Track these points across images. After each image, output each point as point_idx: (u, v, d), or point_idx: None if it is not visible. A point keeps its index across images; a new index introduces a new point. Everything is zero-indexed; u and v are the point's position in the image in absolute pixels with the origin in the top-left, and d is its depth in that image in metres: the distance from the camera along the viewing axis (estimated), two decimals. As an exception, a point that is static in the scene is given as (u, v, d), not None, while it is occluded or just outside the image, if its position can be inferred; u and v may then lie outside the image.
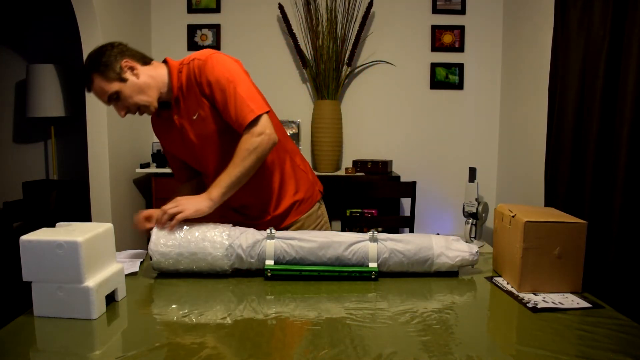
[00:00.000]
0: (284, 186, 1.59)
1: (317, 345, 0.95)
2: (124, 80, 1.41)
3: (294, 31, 3.30)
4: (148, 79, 1.44)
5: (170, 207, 1.33)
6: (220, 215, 1.67)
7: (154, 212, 1.40)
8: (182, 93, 1.46)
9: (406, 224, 2.62)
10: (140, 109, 1.45)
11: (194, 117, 1.46)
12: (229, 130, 1.44)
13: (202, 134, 1.48)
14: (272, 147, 1.41)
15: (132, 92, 1.42)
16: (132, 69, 1.43)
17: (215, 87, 1.40)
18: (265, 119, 1.39)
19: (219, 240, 1.32)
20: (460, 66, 3.45)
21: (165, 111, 1.51)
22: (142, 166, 3.15)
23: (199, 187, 1.60)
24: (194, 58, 1.45)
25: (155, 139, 3.44)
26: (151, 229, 1.35)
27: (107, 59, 1.40)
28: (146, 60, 1.47)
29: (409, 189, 2.60)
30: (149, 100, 1.45)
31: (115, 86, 1.40)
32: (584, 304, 1.18)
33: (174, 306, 1.17)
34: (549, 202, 2.29)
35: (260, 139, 1.37)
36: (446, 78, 3.47)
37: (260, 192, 1.56)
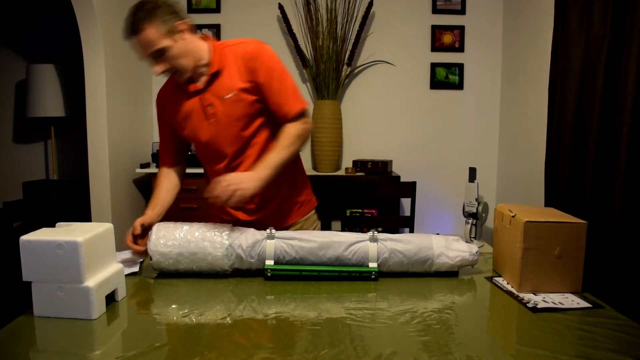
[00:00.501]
0: (294, 186, 1.63)
1: (317, 345, 0.95)
2: (174, 40, 1.41)
3: (294, 31, 3.30)
4: (193, 47, 1.46)
5: (228, 184, 1.33)
6: (212, 215, 1.67)
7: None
8: (221, 71, 1.48)
9: (406, 224, 2.62)
10: (177, 72, 1.44)
11: (227, 96, 1.47)
12: (256, 118, 1.50)
13: (232, 114, 1.49)
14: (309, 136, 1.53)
15: (179, 53, 1.42)
16: (184, 32, 1.44)
17: (271, 74, 1.46)
18: (309, 111, 1.52)
19: (219, 240, 1.32)
20: (460, 66, 3.45)
21: (187, 85, 1.51)
22: (142, 166, 3.15)
23: (179, 176, 1.63)
24: (242, 42, 1.50)
25: (156, 139, 3.44)
26: (141, 252, 1.41)
27: (164, 14, 1.39)
28: (192, 29, 1.49)
29: (409, 189, 2.60)
30: (190, 66, 1.46)
31: (165, 42, 1.38)
32: (584, 304, 1.18)
33: (174, 306, 1.17)
34: (549, 202, 2.29)
35: (306, 127, 1.49)
36: (446, 78, 3.47)
37: (274, 185, 1.54)
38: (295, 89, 1.50)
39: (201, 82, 1.49)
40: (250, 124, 1.50)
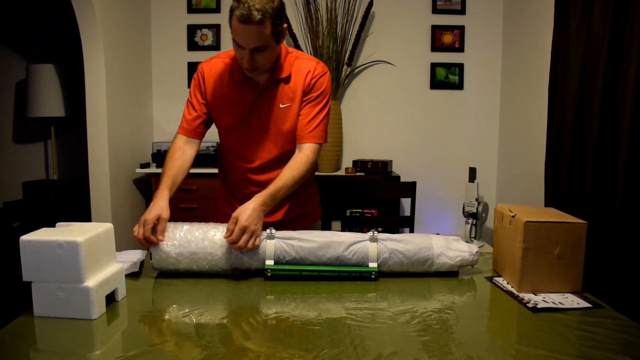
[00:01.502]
0: (305, 196, 1.66)
1: (317, 345, 0.95)
2: (278, 41, 1.42)
3: (294, 31, 3.30)
4: (280, 49, 1.49)
5: (244, 227, 1.29)
6: (220, 212, 1.68)
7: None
8: (286, 79, 1.50)
9: (406, 224, 2.62)
10: (257, 69, 1.44)
11: (282, 106, 1.50)
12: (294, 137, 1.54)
13: (279, 123, 1.51)
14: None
15: (274, 54, 1.44)
16: (284, 36, 1.45)
17: (316, 98, 1.51)
18: (320, 149, 1.54)
19: (219, 240, 1.32)
20: (460, 66, 3.45)
21: (249, 81, 1.50)
22: (142, 166, 3.15)
23: (192, 156, 1.56)
24: (311, 59, 1.54)
25: (156, 139, 3.45)
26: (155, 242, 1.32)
27: (284, 17, 1.41)
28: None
29: (409, 189, 2.59)
30: (270, 67, 1.47)
31: (270, 41, 1.38)
32: (584, 304, 1.18)
33: (174, 306, 1.17)
34: (549, 202, 2.29)
35: (314, 167, 1.53)
36: (446, 78, 3.47)
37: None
38: (325, 124, 1.54)
39: (261, 80, 1.50)
40: (288, 140, 1.53)
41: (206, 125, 1.60)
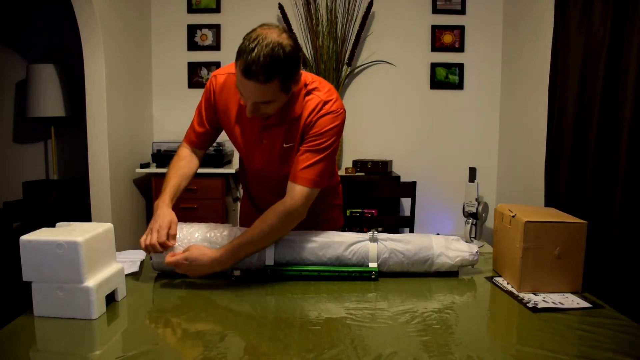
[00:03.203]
0: (329, 204, 1.63)
1: (317, 345, 0.95)
2: (288, 92, 1.27)
3: (294, 31, 3.30)
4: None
5: (186, 258, 1.26)
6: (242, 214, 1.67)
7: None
8: (294, 120, 1.35)
9: (406, 224, 2.62)
10: (262, 115, 1.31)
11: (285, 145, 1.38)
12: None
13: (282, 163, 1.41)
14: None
15: (283, 104, 1.30)
16: (297, 83, 1.29)
17: (317, 136, 1.34)
18: (315, 194, 1.35)
19: (219, 241, 1.32)
20: (460, 66, 3.45)
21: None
22: (142, 166, 3.15)
23: (196, 167, 1.53)
24: (322, 101, 1.34)
25: (156, 139, 3.44)
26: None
27: (298, 71, 1.25)
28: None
29: (409, 189, 2.59)
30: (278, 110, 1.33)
31: (278, 96, 1.24)
32: (584, 304, 1.18)
33: (174, 306, 1.17)
34: (549, 202, 2.29)
35: (296, 215, 1.33)
36: (446, 78, 3.47)
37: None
38: (320, 169, 1.34)
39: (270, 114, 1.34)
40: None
41: (213, 137, 1.54)
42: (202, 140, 1.53)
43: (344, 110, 1.39)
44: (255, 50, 1.15)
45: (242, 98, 1.26)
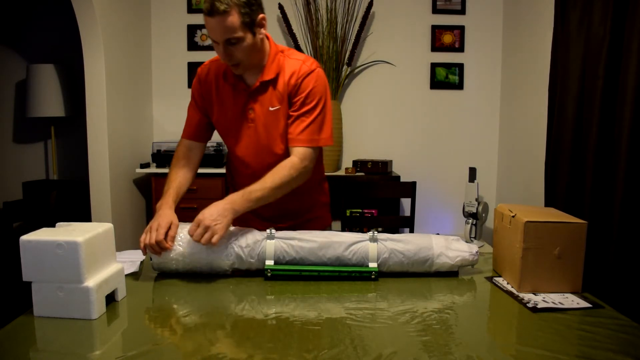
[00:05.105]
0: (316, 202, 1.66)
1: (317, 345, 0.95)
2: (253, 33, 1.35)
3: (294, 31, 3.30)
4: (263, 45, 1.42)
5: (200, 222, 1.26)
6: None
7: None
8: (272, 80, 1.44)
9: (406, 224, 2.62)
10: (239, 65, 1.39)
11: (271, 109, 1.45)
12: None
13: (271, 129, 1.46)
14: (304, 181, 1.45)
15: (252, 48, 1.36)
16: (262, 27, 1.38)
17: (306, 97, 1.43)
18: (316, 153, 1.45)
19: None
20: (460, 66, 3.45)
21: (241, 83, 1.46)
22: (142, 166, 3.15)
23: (196, 163, 1.57)
24: (299, 59, 1.46)
25: (156, 139, 3.44)
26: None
27: (255, 5, 1.33)
28: (266, 25, 1.43)
29: (409, 189, 2.59)
30: (255, 64, 1.41)
31: (243, 32, 1.32)
32: (584, 304, 1.18)
33: (174, 306, 1.17)
34: (549, 202, 2.29)
35: (304, 172, 1.42)
36: (446, 78, 3.47)
37: (299, 201, 1.58)
38: (317, 126, 1.44)
39: (252, 82, 1.46)
40: (282, 145, 1.48)
41: (209, 128, 1.58)
42: (198, 130, 1.56)
43: (322, 69, 1.50)
44: None
45: (215, 48, 1.36)
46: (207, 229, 1.26)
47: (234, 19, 1.29)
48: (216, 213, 1.28)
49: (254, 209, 1.38)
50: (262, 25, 1.38)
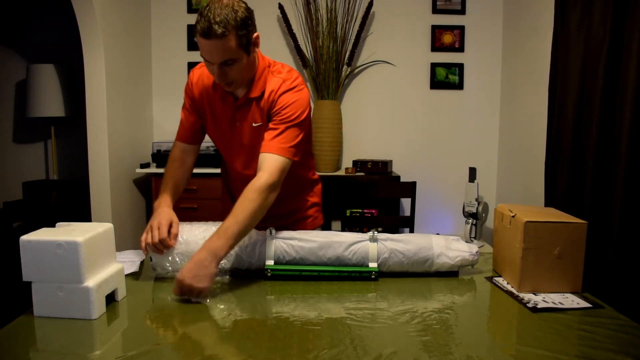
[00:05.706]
0: (307, 203, 1.66)
1: (317, 345, 0.95)
2: (248, 53, 1.34)
3: (294, 31, 3.30)
4: (255, 62, 1.41)
5: (182, 280, 1.18)
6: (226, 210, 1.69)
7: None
8: (257, 98, 1.43)
9: (406, 224, 2.62)
10: (232, 83, 1.37)
11: (254, 125, 1.45)
12: None
13: (255, 142, 1.45)
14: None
15: (247, 67, 1.36)
16: (257, 45, 1.37)
17: (282, 114, 1.40)
18: (286, 164, 1.37)
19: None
20: (460, 66, 3.45)
21: (227, 95, 1.45)
22: (142, 166, 3.15)
23: (192, 163, 1.57)
24: (285, 79, 1.43)
25: (156, 139, 3.44)
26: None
27: (251, 26, 1.31)
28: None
29: (409, 189, 2.60)
30: (246, 81, 1.40)
31: (239, 54, 1.30)
32: (584, 304, 1.18)
33: (174, 306, 1.17)
34: (549, 202, 2.29)
35: (273, 188, 1.34)
36: (446, 78, 3.47)
37: (290, 203, 1.60)
38: (289, 140, 1.38)
39: (239, 94, 1.44)
40: None
41: (202, 130, 1.58)
42: (191, 132, 1.56)
43: (305, 87, 1.48)
44: (211, 12, 1.25)
45: (208, 67, 1.33)
46: (190, 292, 1.18)
47: (232, 42, 1.27)
48: (195, 269, 1.18)
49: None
50: (256, 44, 1.37)
